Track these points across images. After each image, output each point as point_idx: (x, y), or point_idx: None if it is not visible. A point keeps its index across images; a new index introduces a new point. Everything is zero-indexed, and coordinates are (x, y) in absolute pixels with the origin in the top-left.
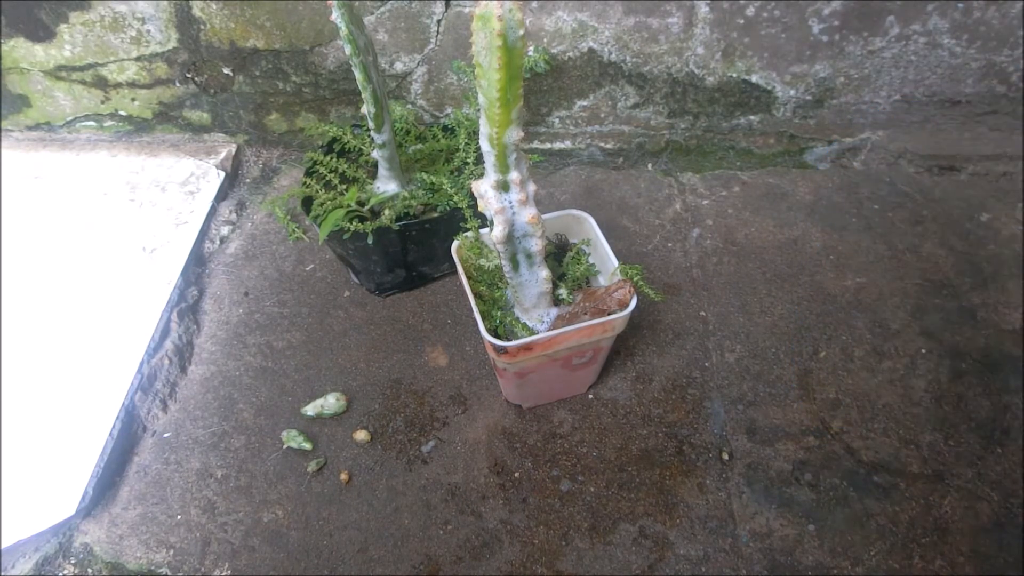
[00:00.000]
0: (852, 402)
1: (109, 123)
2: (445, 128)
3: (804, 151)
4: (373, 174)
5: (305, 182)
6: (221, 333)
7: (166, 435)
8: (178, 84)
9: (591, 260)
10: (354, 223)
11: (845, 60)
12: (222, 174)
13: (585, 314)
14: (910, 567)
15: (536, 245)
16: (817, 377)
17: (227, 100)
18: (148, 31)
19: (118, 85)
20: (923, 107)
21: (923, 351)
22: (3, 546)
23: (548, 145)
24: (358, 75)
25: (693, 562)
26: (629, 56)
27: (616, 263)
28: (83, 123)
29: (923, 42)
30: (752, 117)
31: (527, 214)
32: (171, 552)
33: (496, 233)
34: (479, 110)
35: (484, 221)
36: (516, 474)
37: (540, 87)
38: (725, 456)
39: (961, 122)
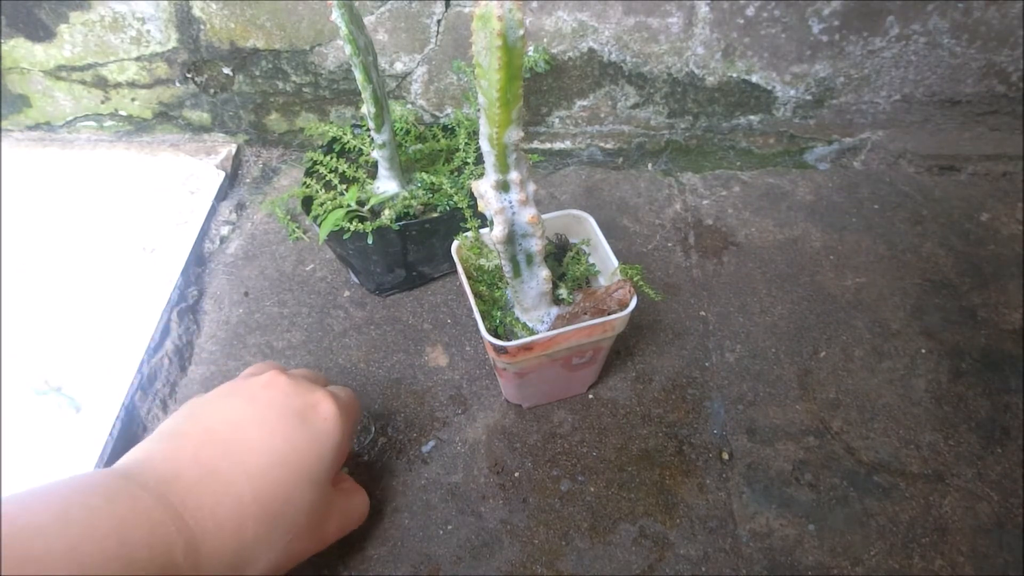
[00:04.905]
0: (852, 402)
1: (109, 123)
2: (445, 128)
3: (804, 151)
4: (373, 174)
5: (305, 182)
6: (221, 333)
7: None
8: (178, 84)
9: (591, 260)
10: (354, 223)
11: (845, 60)
12: (222, 174)
13: (585, 314)
14: (910, 567)
15: (536, 245)
16: (817, 377)
17: (227, 100)
18: (148, 31)
19: (118, 85)
20: (923, 107)
21: (923, 351)
22: None
23: (548, 145)
24: (358, 75)
25: (693, 562)
26: (629, 56)
27: (616, 263)
28: (83, 123)
29: (923, 42)
30: (752, 117)
31: (527, 214)
32: None
33: (496, 233)
34: (479, 110)
35: (484, 221)
36: (516, 474)
37: (540, 87)
38: (725, 456)
39: (961, 122)
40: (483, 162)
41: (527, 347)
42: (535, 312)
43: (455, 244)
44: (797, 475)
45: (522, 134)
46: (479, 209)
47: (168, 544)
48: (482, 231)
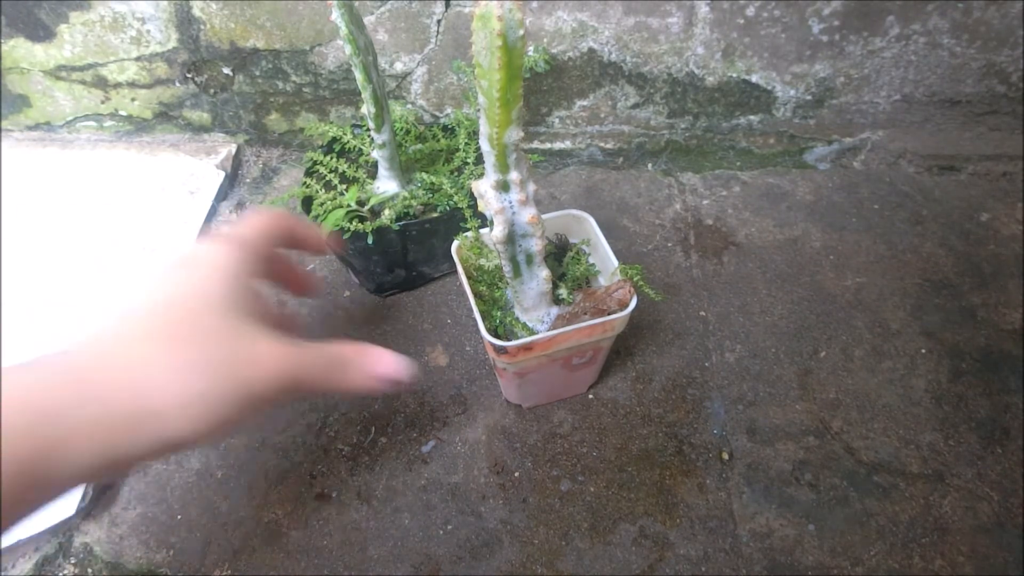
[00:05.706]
0: (852, 402)
1: (109, 123)
2: (445, 128)
3: (804, 151)
4: (373, 174)
5: (305, 182)
6: None
7: None
8: (178, 84)
9: (591, 260)
10: (354, 223)
11: (845, 60)
12: (222, 174)
13: (585, 314)
14: (910, 567)
15: (536, 245)
16: (817, 377)
17: (227, 100)
18: (148, 31)
19: (118, 85)
20: (923, 107)
21: (923, 351)
22: (3, 546)
23: (548, 145)
24: (358, 75)
25: (693, 562)
26: (629, 56)
27: (616, 263)
28: (83, 123)
29: (923, 42)
30: (752, 117)
31: (527, 214)
32: (171, 552)
33: (496, 233)
34: (479, 110)
35: (484, 221)
36: (516, 474)
37: (540, 87)
38: (725, 456)
39: (961, 122)
40: (483, 162)
41: (527, 347)
42: (535, 312)
43: (455, 244)
44: (797, 475)
45: (522, 134)
46: (479, 209)
47: None
48: (482, 231)
